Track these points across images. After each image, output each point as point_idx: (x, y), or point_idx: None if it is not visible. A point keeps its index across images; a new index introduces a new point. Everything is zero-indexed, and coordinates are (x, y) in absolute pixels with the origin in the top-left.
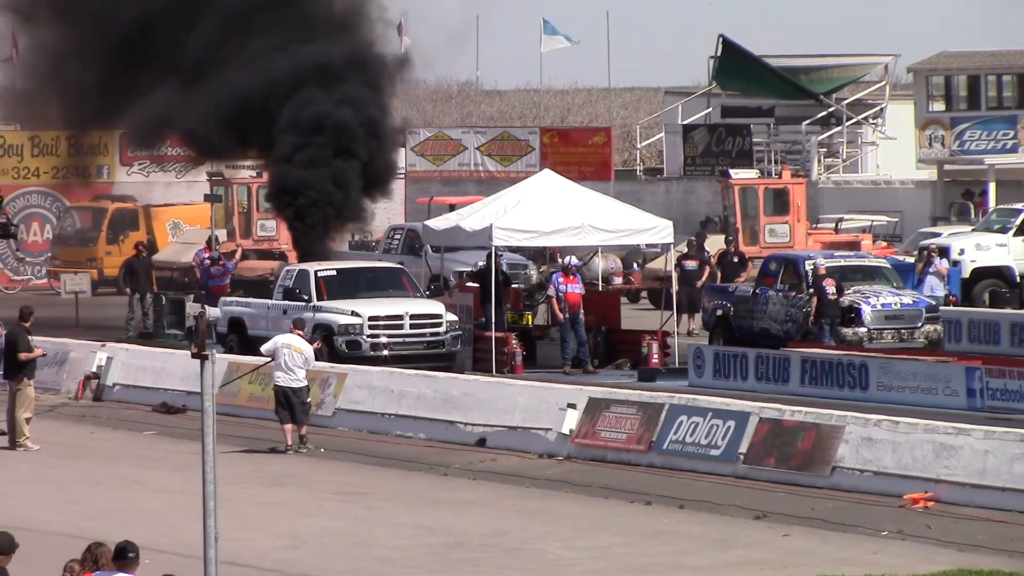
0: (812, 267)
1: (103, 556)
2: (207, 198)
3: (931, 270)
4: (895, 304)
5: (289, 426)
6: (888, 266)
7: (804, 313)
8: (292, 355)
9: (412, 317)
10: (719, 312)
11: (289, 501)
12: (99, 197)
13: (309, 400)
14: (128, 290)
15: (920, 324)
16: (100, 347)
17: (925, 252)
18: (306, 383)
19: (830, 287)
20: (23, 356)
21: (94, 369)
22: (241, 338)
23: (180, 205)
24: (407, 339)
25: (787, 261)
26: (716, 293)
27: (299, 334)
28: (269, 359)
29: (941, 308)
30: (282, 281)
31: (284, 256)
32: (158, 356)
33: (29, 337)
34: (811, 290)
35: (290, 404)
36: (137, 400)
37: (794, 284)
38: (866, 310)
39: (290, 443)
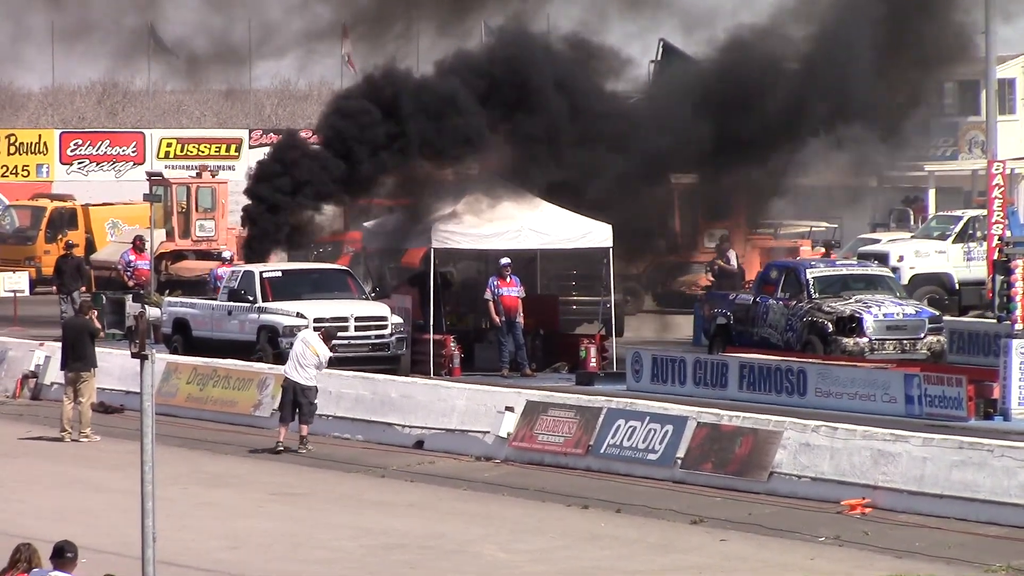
0: None
1: (34, 555)
2: (146, 198)
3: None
4: (898, 314)
5: (284, 428)
6: (891, 275)
7: (804, 322)
8: (307, 354)
9: (357, 319)
10: (720, 321)
11: (228, 502)
12: (38, 196)
13: (316, 402)
14: (55, 289)
15: (923, 335)
16: (38, 346)
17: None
18: (315, 384)
19: None
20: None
21: (32, 368)
22: (186, 339)
23: (119, 204)
24: (352, 341)
25: (788, 269)
26: (717, 301)
27: (321, 336)
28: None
29: None
30: (227, 282)
31: (222, 257)
32: None
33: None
34: None
35: (296, 401)
36: None
37: (795, 293)
38: (868, 320)
39: (282, 440)
